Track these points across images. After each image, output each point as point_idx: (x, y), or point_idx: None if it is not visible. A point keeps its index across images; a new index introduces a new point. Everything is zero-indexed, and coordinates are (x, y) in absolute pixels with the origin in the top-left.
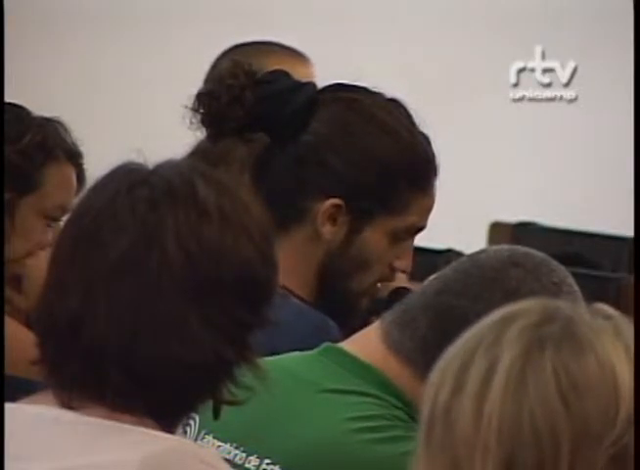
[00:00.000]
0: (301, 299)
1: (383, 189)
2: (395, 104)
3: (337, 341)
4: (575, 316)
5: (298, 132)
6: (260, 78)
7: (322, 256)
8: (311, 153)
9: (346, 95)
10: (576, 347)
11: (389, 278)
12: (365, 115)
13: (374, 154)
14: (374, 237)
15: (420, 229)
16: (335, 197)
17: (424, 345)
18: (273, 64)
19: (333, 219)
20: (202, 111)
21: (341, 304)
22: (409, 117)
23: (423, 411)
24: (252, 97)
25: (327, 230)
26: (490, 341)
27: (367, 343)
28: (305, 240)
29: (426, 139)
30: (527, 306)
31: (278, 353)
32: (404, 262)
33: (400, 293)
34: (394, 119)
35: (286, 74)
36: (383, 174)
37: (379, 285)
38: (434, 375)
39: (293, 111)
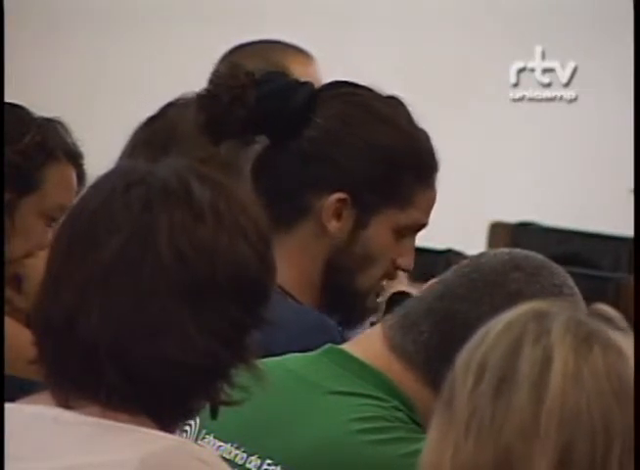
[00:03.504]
0: (297, 301)
1: (388, 181)
2: (395, 100)
3: (336, 341)
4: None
5: (301, 129)
6: (260, 78)
7: (327, 252)
8: (315, 148)
9: (346, 90)
10: (615, 349)
11: (392, 276)
12: (366, 107)
13: (378, 145)
14: (379, 232)
15: (422, 226)
16: (340, 191)
17: (426, 348)
18: (280, 60)
19: (338, 214)
20: (203, 114)
21: (346, 301)
22: (408, 113)
23: (443, 398)
24: (254, 96)
25: (332, 226)
26: (535, 333)
27: (370, 345)
28: (310, 237)
29: (425, 135)
30: (555, 306)
31: (275, 353)
32: (407, 260)
33: (399, 297)
34: (395, 112)
35: (283, 74)
36: (388, 166)
37: (384, 283)
38: (458, 367)
39: (294, 107)
